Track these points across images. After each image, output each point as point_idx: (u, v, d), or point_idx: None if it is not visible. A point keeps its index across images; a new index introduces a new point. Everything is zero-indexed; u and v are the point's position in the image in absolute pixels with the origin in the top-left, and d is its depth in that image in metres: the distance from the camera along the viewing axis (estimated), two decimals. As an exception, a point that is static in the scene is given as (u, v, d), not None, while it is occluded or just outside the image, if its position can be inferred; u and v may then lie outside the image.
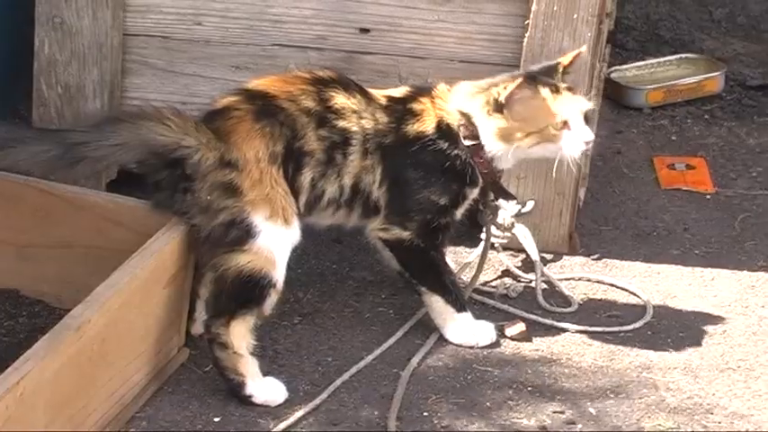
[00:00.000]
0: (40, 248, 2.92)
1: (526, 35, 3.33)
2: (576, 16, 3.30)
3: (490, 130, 3.08)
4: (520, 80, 3.04)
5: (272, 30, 3.40)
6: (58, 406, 2.65)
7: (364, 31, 3.40)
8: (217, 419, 2.90)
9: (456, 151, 3.08)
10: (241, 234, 2.94)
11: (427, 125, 3.10)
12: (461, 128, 3.09)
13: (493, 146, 3.09)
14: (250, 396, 2.93)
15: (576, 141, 3.05)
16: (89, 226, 2.98)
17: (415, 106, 3.14)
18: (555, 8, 3.30)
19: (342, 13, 3.39)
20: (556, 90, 3.08)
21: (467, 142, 3.09)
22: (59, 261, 3.08)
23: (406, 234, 3.15)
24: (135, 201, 3.03)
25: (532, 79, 3.07)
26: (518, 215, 3.39)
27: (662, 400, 3.03)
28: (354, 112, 3.10)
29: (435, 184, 3.12)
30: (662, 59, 4.29)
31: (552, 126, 3.05)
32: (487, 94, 3.09)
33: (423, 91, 3.17)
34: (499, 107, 3.06)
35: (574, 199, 3.45)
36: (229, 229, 2.93)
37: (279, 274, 2.97)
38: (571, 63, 3.13)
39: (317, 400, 2.95)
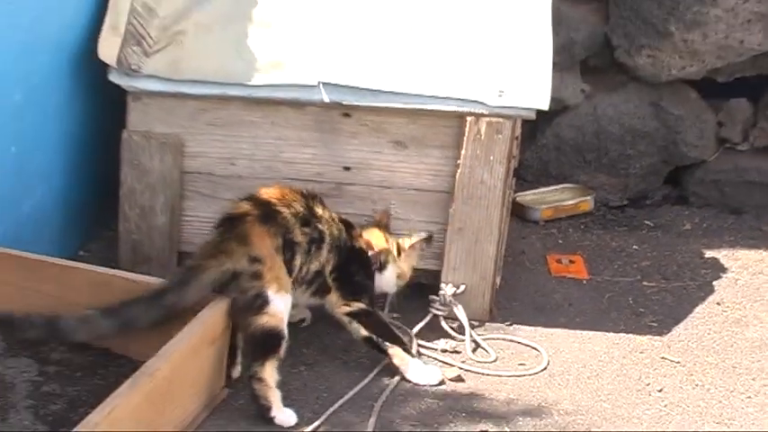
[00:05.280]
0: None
1: (458, 171, 3.34)
2: (492, 158, 3.31)
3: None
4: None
5: (285, 168, 3.39)
6: (137, 429, 2.64)
7: (347, 168, 3.40)
8: (247, 437, 2.91)
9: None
10: (262, 303, 2.94)
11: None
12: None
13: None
14: (273, 418, 2.92)
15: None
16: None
17: (354, 234, 3.25)
18: (478, 152, 3.30)
19: (332, 156, 3.38)
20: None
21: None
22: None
23: (363, 304, 3.18)
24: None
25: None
26: (455, 295, 3.39)
27: (555, 421, 3.05)
28: (326, 220, 3.14)
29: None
30: (551, 188, 4.29)
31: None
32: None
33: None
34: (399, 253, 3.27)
35: (492, 283, 3.45)
36: (255, 300, 2.94)
37: (285, 327, 2.98)
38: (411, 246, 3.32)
39: (317, 423, 2.95)
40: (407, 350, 3.19)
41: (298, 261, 3.06)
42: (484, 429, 2.98)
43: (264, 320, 2.94)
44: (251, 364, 2.96)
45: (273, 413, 2.93)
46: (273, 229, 3.01)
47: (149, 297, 2.87)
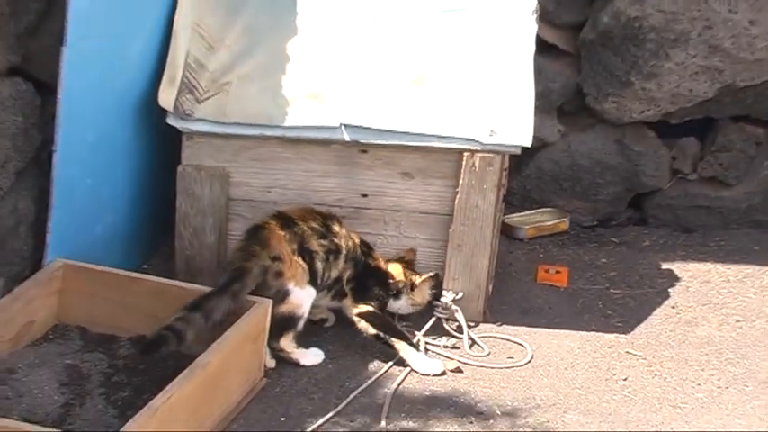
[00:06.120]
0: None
1: (457, 197, 3.35)
2: (485, 186, 3.32)
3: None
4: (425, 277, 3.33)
5: (312, 195, 3.39)
6: (191, 412, 2.67)
7: (365, 195, 3.40)
8: (283, 419, 2.91)
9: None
10: (283, 295, 3.03)
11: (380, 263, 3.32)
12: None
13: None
14: (303, 365, 3.10)
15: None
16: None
17: (374, 255, 3.30)
18: (473, 182, 3.32)
19: (351, 185, 3.39)
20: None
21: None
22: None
23: (371, 306, 3.20)
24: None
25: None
26: (454, 300, 3.40)
27: (538, 405, 3.06)
28: (343, 236, 3.20)
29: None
30: (533, 211, 4.25)
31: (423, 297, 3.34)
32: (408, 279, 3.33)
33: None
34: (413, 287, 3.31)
35: (486, 290, 3.45)
36: (277, 294, 3.02)
37: (305, 312, 3.07)
38: (423, 282, 3.35)
39: (341, 406, 2.97)
40: (413, 345, 3.19)
41: (319, 267, 3.10)
42: (479, 413, 2.98)
43: (284, 308, 3.03)
44: (270, 340, 3.02)
45: (301, 363, 3.08)
46: (289, 236, 3.08)
47: (218, 290, 2.91)
